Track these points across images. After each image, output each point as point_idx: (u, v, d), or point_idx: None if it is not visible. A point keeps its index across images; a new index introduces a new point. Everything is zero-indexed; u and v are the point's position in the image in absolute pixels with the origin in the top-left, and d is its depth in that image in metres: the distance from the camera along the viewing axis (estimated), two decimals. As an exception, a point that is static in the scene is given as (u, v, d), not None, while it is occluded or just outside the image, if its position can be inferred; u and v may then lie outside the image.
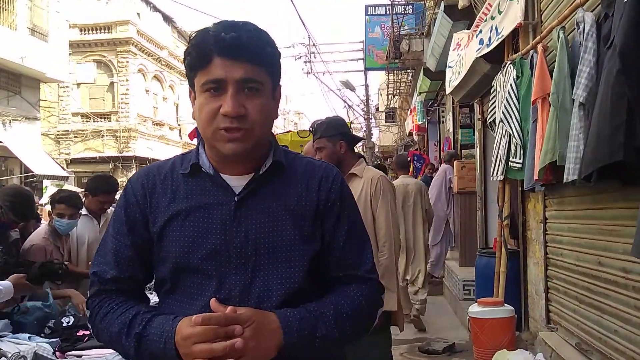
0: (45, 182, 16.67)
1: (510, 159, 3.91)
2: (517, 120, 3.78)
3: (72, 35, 20.61)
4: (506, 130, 3.95)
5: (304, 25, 20.05)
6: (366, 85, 25.56)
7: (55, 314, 2.65)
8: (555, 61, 3.41)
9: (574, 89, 2.60)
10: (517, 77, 3.94)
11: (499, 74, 4.40)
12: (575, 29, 2.86)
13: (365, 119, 26.32)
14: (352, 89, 24.01)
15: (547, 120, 3.25)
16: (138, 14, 24.40)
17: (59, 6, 16.26)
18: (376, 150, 27.24)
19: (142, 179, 1.21)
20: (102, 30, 23.57)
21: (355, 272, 1.20)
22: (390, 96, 18.43)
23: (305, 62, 21.24)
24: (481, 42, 4.72)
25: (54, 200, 3.42)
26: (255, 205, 1.15)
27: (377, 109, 27.93)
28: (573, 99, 2.72)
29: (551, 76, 3.23)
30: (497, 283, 4.38)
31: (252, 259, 1.12)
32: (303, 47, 21.15)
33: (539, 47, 3.47)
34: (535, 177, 3.31)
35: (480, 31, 4.76)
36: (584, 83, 2.47)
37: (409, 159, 8.90)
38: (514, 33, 4.38)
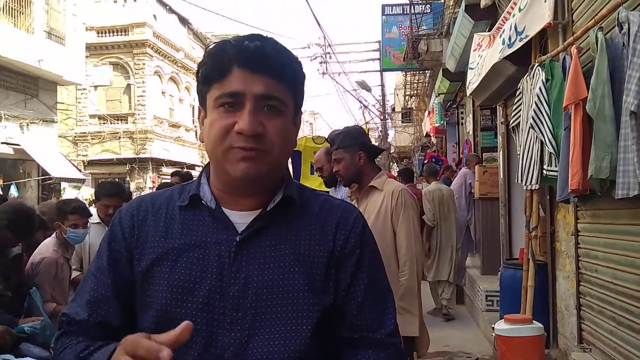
0: (63, 184, 16.78)
1: (545, 166, 3.66)
2: (549, 127, 3.55)
3: (89, 38, 20.72)
4: (537, 136, 3.71)
5: (319, 26, 19.94)
6: (382, 85, 25.34)
7: (51, 333, 2.51)
8: (588, 64, 3.19)
9: (624, 97, 2.37)
10: (547, 80, 3.71)
11: (525, 76, 4.17)
12: (615, 29, 2.63)
13: (381, 120, 26.07)
14: (368, 89, 23.80)
15: (580, 128, 3.03)
16: (154, 16, 24.47)
17: (75, 9, 16.32)
18: (392, 151, 26.98)
19: (132, 209, 1.05)
20: (119, 33, 23.68)
21: (374, 335, 1.00)
22: (407, 97, 18.17)
23: (320, 62, 21.09)
24: (504, 42, 4.49)
25: (66, 211, 3.29)
26: (259, 247, 0.97)
27: (393, 109, 27.67)
28: (614, 106, 2.49)
29: (586, 80, 3.01)
30: (524, 298, 4.15)
31: (250, 312, 0.94)
32: (318, 48, 21.01)
33: (573, 49, 3.23)
34: (570, 188, 3.08)
35: (504, 31, 4.52)
36: (635, 90, 2.24)
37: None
38: (542, 33, 4.14)
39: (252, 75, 0.93)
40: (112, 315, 0.99)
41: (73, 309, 1.02)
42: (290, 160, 6.48)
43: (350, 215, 1.04)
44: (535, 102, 3.73)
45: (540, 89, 3.71)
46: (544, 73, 3.73)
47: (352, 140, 2.66)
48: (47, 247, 3.18)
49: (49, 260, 3.09)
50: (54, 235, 3.26)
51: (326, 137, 5.47)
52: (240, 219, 0.99)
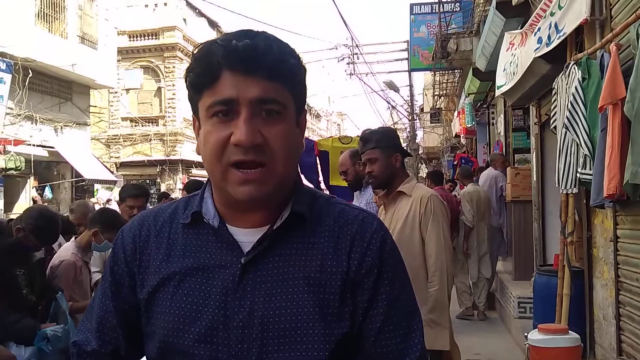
0: (97, 186, 17.17)
1: (579, 169, 3.50)
2: (585, 128, 3.38)
3: (120, 42, 21.14)
4: (572, 138, 3.55)
5: (347, 26, 19.77)
6: (410, 86, 25.03)
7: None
8: (628, 62, 3.03)
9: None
10: (583, 79, 3.54)
11: (560, 75, 4.00)
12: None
13: (409, 120, 25.79)
14: (396, 89, 23.56)
15: (618, 130, 2.87)
16: (184, 20, 24.82)
17: (107, 14, 16.68)
18: (420, 152, 26.67)
19: (134, 229, 0.97)
20: (150, 37, 24.09)
21: None
22: (436, 97, 17.90)
23: (348, 63, 20.96)
24: (540, 40, 4.31)
25: (116, 226, 3.18)
26: (265, 270, 0.88)
27: (422, 110, 27.35)
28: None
29: (625, 80, 2.84)
30: (559, 306, 3.98)
31: (256, 344, 0.85)
32: (346, 49, 20.90)
33: (612, 46, 3.07)
34: (605, 193, 2.93)
35: (539, 29, 4.35)
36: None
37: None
38: (578, 30, 3.97)
39: (245, 78, 0.83)
40: (120, 344, 0.95)
41: (83, 335, 0.97)
42: (318, 161, 6.43)
43: (367, 229, 0.92)
44: (571, 102, 3.57)
45: (576, 88, 3.54)
46: (580, 72, 3.56)
47: (390, 140, 2.58)
48: (66, 250, 3.18)
49: (67, 263, 3.08)
50: (72, 239, 3.26)
51: (352, 136, 5.37)
52: (246, 237, 0.90)
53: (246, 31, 0.87)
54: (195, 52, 0.88)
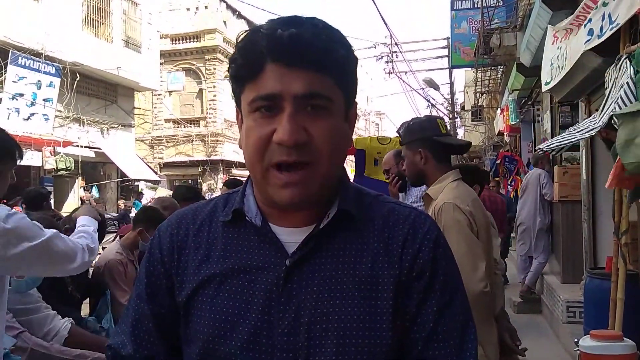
0: (141, 186, 17.67)
1: None
2: None
3: (163, 45, 21.67)
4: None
5: (385, 24, 19.53)
6: (451, 83, 24.61)
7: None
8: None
9: None
10: (636, 72, 3.36)
11: (611, 67, 3.80)
12: None
13: (450, 119, 25.34)
14: (436, 87, 23.20)
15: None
16: (224, 22, 25.21)
17: (151, 18, 17.12)
18: (462, 150, 26.13)
19: (172, 228, 0.92)
20: (191, 40, 24.59)
21: None
22: (477, 94, 17.51)
23: (387, 62, 20.77)
24: (590, 32, 4.12)
25: (152, 221, 3.10)
26: (312, 273, 0.83)
27: (463, 108, 26.84)
28: None
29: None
30: (612, 312, 3.78)
31: (303, 352, 0.80)
32: (385, 47, 20.71)
33: (671, 36, 2.89)
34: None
35: (590, 20, 4.16)
36: None
37: (498, 161, 8.32)
38: (632, 21, 3.76)
39: (290, 71, 0.77)
40: (156, 349, 0.90)
41: (119, 338, 0.92)
42: (353, 159, 6.32)
43: (419, 229, 0.86)
44: (621, 97, 3.39)
45: (627, 83, 3.36)
46: (633, 65, 3.37)
47: (411, 135, 2.29)
48: (110, 251, 3.22)
49: (112, 262, 3.11)
50: (117, 240, 3.30)
51: (391, 137, 5.29)
52: (291, 237, 0.85)
53: (293, 18, 0.81)
54: (238, 41, 0.82)
